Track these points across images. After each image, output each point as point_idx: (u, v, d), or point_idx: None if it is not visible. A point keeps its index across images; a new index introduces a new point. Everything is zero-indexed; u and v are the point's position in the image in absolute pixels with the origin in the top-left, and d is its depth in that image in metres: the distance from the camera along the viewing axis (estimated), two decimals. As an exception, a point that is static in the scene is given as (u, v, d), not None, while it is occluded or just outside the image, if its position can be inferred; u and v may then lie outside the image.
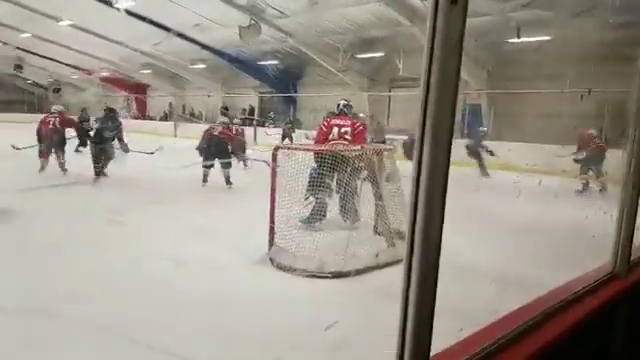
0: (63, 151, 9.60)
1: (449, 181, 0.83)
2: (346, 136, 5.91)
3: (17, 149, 9.55)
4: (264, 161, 5.62)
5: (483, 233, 5.52)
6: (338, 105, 6.32)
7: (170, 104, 27.68)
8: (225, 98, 24.35)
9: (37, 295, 3.49)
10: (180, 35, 19.11)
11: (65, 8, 17.20)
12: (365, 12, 15.11)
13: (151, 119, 27.99)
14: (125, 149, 8.92)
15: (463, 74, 13.23)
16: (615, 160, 9.00)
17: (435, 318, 0.87)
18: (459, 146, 10.59)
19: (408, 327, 0.86)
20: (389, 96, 18.99)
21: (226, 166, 8.56)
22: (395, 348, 0.88)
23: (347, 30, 16.66)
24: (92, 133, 9.09)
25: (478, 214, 6.29)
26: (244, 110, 23.18)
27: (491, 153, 11.39)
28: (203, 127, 9.48)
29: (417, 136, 0.82)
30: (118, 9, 15.71)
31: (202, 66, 23.27)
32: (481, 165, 11.51)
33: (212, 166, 8.58)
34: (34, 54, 26.22)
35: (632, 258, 1.72)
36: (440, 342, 0.94)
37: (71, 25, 19.43)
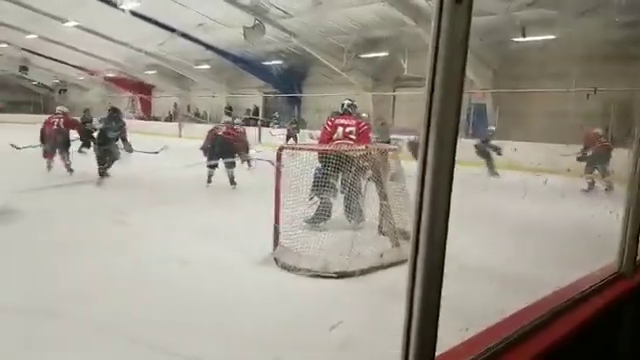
0: (68, 152, 9.67)
1: (456, 181, 0.83)
2: (351, 136, 5.90)
3: (17, 148, 9.64)
4: (268, 160, 5.62)
5: (490, 232, 5.51)
6: (342, 105, 6.31)
7: (175, 104, 27.76)
8: (229, 98, 24.40)
9: (41, 295, 3.50)
10: (184, 35, 19.17)
11: (71, 9, 17.29)
12: (369, 12, 15.10)
13: (156, 120, 28.07)
14: (129, 149, 8.93)
15: (468, 73, 13.18)
16: (621, 159, 8.96)
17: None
18: (464, 146, 10.56)
19: (413, 327, 0.85)
20: (393, 96, 18.97)
21: (230, 166, 8.56)
22: (400, 348, 0.88)
23: (351, 30, 16.66)
24: (96, 134, 9.09)
25: (484, 213, 6.28)
26: (248, 110, 23.20)
27: (499, 153, 11.35)
28: (208, 127, 9.49)
29: (422, 135, 0.82)
30: (123, 10, 15.76)
31: (207, 67, 23.33)
32: (490, 164, 11.48)
33: (216, 166, 8.58)
34: (40, 55, 26.39)
35: (638, 258, 1.71)
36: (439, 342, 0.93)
37: (77, 26, 19.53)
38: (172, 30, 18.75)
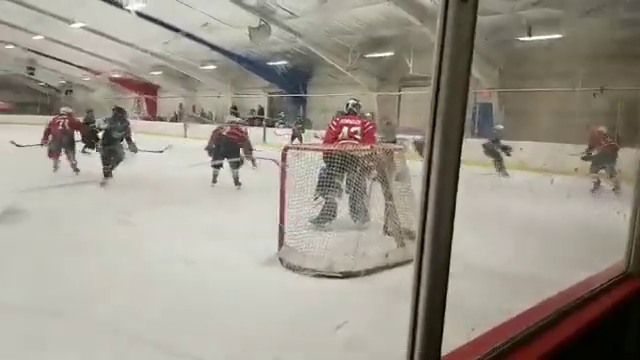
0: (74, 152, 9.74)
1: (461, 180, 0.82)
2: (356, 136, 5.89)
3: (17, 145, 9.71)
4: (273, 159, 5.62)
5: (494, 232, 5.50)
6: (347, 105, 6.30)
7: (180, 105, 27.85)
8: (234, 99, 24.44)
9: (45, 294, 3.51)
10: (189, 35, 19.22)
11: (77, 10, 17.38)
12: (374, 12, 15.09)
13: (161, 120, 28.17)
14: (133, 149, 8.90)
15: (474, 72, 13.20)
16: (628, 158, 8.92)
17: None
18: (470, 145, 10.53)
19: (419, 327, 0.85)
20: (399, 95, 18.94)
21: (235, 166, 8.55)
22: (405, 348, 0.87)
23: (356, 30, 16.66)
24: (100, 135, 9.09)
25: (490, 213, 6.27)
26: (253, 110, 23.26)
27: (507, 153, 11.30)
28: (213, 128, 9.50)
29: (427, 134, 0.82)
30: (129, 11, 15.82)
31: (212, 67, 23.38)
32: (499, 164, 11.44)
33: (221, 166, 8.59)
34: (46, 56, 26.53)
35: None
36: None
37: (83, 27, 19.61)
38: (177, 30, 18.81)
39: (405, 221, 4.84)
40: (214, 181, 8.64)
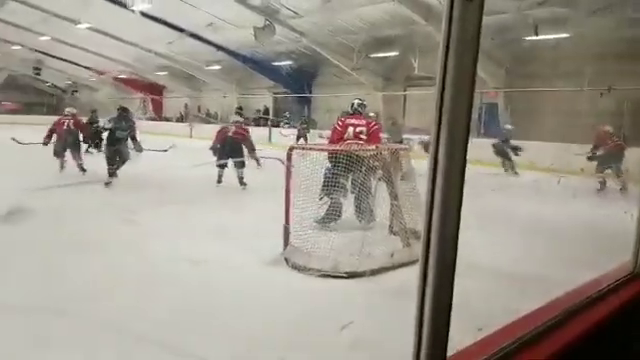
0: (79, 151, 9.80)
1: (468, 180, 0.82)
2: (361, 135, 5.89)
3: (20, 143, 9.77)
4: (278, 158, 5.62)
5: (501, 232, 5.48)
6: (352, 104, 6.30)
7: (186, 105, 27.93)
8: (239, 99, 24.48)
9: (49, 294, 3.52)
10: (193, 35, 19.26)
11: (83, 11, 17.45)
12: (379, 11, 15.08)
13: (167, 120, 28.25)
14: (138, 148, 8.89)
15: (480, 72, 13.14)
16: (635, 158, 8.87)
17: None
18: (475, 145, 10.50)
19: (425, 326, 0.85)
20: (404, 95, 18.91)
21: (240, 166, 8.56)
22: (412, 347, 0.87)
23: (361, 29, 16.64)
24: (105, 135, 9.09)
25: (495, 213, 6.25)
26: (258, 110, 23.28)
27: (516, 153, 11.26)
28: (217, 128, 9.52)
29: (433, 134, 0.81)
30: (133, 11, 15.87)
31: (217, 67, 23.42)
32: (510, 164, 11.41)
33: (226, 165, 8.60)
34: (53, 57, 26.67)
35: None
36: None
37: (89, 28, 19.70)
38: (181, 30, 18.86)
39: (411, 221, 4.83)
40: (219, 181, 8.65)
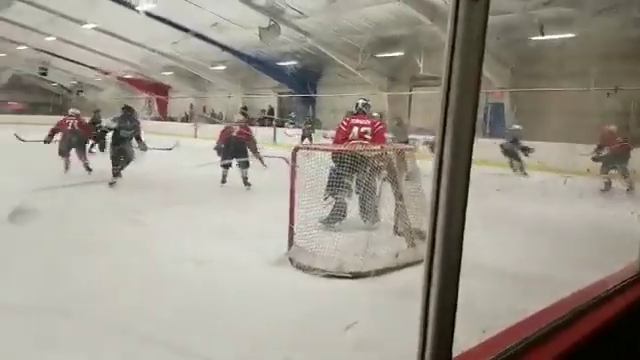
0: (84, 151, 9.85)
1: (473, 180, 0.82)
2: (366, 136, 5.88)
3: (21, 140, 9.85)
4: (283, 157, 5.62)
5: (505, 232, 5.47)
6: (357, 104, 6.30)
7: (191, 105, 28.01)
8: (244, 99, 24.52)
9: (54, 294, 3.53)
10: (198, 35, 19.30)
11: (89, 11, 17.53)
12: (384, 11, 15.06)
13: (172, 120, 28.33)
14: (143, 148, 8.87)
15: (486, 72, 13.13)
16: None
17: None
18: (481, 145, 10.46)
19: (429, 327, 0.85)
20: (409, 95, 18.88)
21: (244, 166, 8.56)
22: (417, 347, 0.87)
23: (366, 29, 16.63)
24: (109, 134, 9.09)
25: (501, 213, 6.24)
26: (263, 111, 23.31)
27: (526, 153, 11.19)
28: (222, 128, 9.52)
29: (438, 134, 0.81)
30: (138, 11, 15.93)
31: (222, 67, 23.46)
32: (519, 164, 11.35)
33: (230, 165, 8.60)
34: (59, 57, 26.80)
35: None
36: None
37: (95, 28, 19.78)
38: (186, 30, 18.90)
39: (415, 221, 4.82)
40: (223, 181, 8.65)
